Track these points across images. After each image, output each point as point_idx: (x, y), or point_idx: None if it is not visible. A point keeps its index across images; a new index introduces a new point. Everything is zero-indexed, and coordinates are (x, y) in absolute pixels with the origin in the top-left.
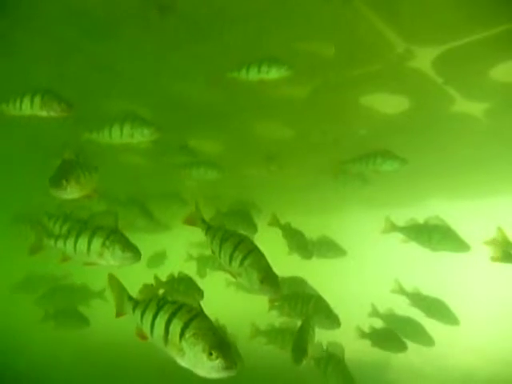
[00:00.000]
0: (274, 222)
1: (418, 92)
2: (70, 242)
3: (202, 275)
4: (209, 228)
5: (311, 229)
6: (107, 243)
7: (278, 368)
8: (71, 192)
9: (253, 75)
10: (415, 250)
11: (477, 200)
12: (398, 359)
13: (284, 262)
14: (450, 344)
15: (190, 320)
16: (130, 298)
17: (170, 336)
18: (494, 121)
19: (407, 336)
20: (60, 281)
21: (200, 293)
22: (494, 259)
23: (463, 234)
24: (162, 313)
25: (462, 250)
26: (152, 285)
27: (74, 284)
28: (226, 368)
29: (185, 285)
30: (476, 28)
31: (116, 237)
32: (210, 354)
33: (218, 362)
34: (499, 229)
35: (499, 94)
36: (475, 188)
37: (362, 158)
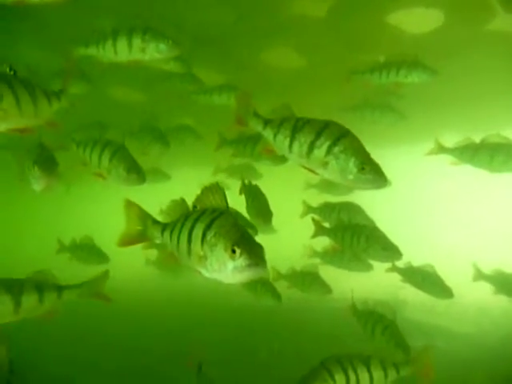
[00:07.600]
0: None
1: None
2: (87, 151)
3: None
4: (267, 121)
5: None
6: (114, 161)
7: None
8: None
9: None
10: None
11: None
12: (408, 297)
13: None
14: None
15: (212, 220)
16: (155, 221)
17: (192, 245)
18: None
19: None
20: None
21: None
22: None
23: None
24: (186, 222)
25: None
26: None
27: None
28: (252, 265)
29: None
30: None
31: (121, 155)
32: (233, 251)
33: (242, 259)
34: None
35: None
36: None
37: (381, 68)
